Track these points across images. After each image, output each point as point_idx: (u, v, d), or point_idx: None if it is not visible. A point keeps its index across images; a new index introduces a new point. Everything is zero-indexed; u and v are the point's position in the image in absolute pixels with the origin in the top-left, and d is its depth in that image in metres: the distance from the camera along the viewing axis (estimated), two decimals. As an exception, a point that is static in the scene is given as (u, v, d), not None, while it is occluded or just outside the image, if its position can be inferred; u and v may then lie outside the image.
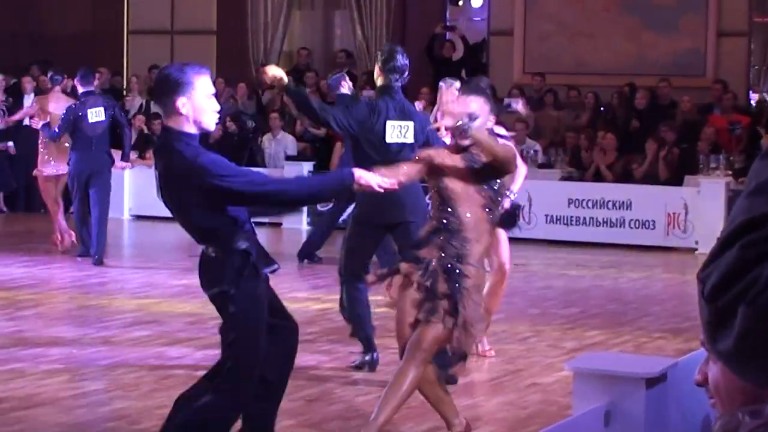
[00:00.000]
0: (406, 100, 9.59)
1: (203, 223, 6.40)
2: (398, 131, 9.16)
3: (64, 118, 14.87)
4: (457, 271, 6.95)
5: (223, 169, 6.27)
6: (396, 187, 6.67)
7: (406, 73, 9.39)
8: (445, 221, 7.01)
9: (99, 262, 14.74)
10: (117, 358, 9.84)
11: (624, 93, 19.60)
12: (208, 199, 6.26)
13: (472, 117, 6.97)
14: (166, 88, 6.40)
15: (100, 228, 14.95)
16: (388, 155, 8.79)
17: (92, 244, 14.91)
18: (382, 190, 6.49)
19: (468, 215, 7.00)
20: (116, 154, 15.39)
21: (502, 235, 10.06)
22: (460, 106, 7.17)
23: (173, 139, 6.36)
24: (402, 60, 9.34)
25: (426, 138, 9.12)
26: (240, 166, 6.45)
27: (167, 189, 6.45)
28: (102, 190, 15.01)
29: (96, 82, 16.03)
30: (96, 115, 14.89)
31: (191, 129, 6.35)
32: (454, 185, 7.01)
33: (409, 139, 9.14)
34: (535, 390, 9.09)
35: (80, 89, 15.27)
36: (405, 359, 7.05)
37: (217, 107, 6.50)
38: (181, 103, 6.27)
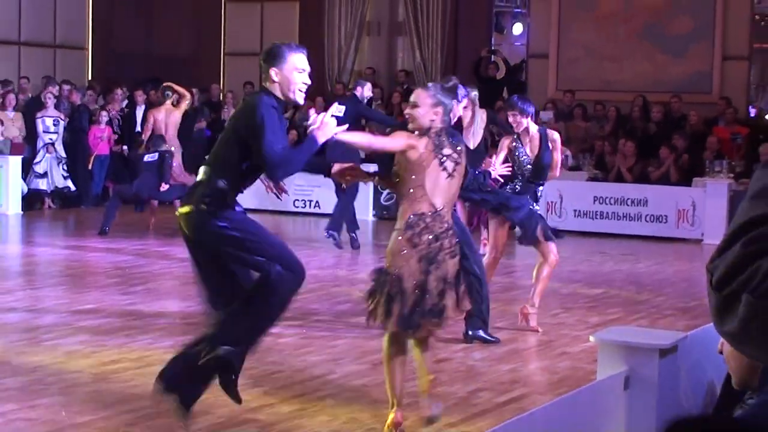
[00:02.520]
0: None
1: (228, 156, 6.41)
2: None
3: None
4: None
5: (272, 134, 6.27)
6: None
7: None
8: None
9: None
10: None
11: (639, 105, 19.54)
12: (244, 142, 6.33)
13: (413, 106, 6.67)
14: (267, 57, 6.59)
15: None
16: None
17: None
18: None
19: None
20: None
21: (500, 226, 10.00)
22: (412, 95, 6.81)
23: (261, 91, 6.56)
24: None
25: None
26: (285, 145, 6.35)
27: (232, 118, 6.59)
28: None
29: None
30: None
31: (278, 94, 6.48)
32: None
33: None
34: (565, 358, 9.05)
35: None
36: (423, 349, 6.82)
37: (307, 82, 6.55)
38: (274, 72, 6.46)
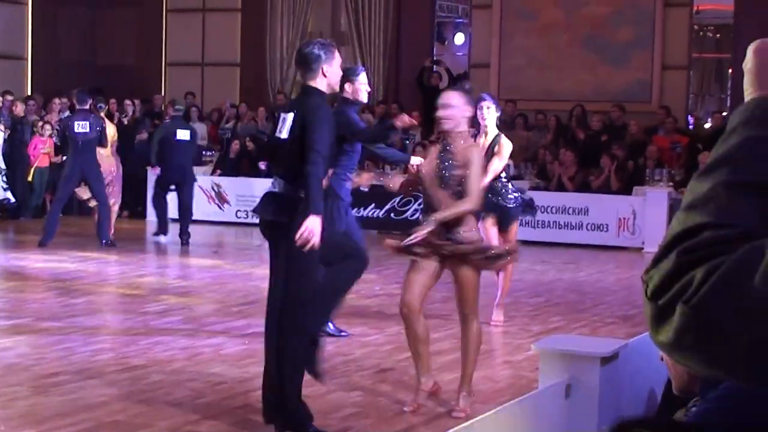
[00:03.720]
0: None
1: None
2: None
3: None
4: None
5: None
6: None
7: None
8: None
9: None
10: (153, 338, 9.80)
11: (577, 115, 19.66)
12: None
13: (447, 106, 7.28)
14: (313, 57, 6.76)
15: (105, 214, 16.03)
16: None
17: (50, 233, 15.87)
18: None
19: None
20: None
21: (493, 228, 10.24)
22: (442, 98, 7.31)
23: (313, 93, 6.79)
24: None
25: None
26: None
27: (298, 126, 6.70)
28: (96, 183, 15.99)
29: (89, 102, 16.47)
30: (81, 127, 15.75)
31: (324, 89, 6.81)
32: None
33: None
34: (507, 367, 9.07)
35: (76, 107, 16.41)
36: (464, 319, 7.34)
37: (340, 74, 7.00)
38: (326, 69, 6.73)
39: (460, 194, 7.19)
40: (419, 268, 7.31)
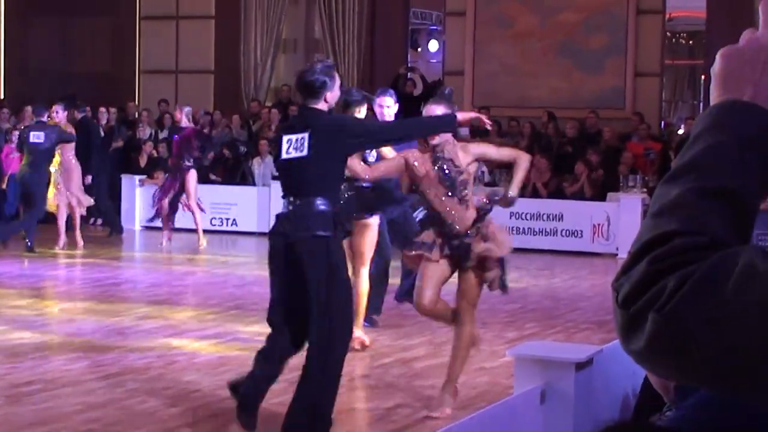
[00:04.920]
0: None
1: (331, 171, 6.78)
2: None
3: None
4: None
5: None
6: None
7: None
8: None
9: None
10: (130, 346, 9.77)
11: (547, 122, 19.69)
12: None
13: None
14: (318, 84, 6.81)
15: (32, 221, 16.28)
16: None
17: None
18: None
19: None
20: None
21: None
22: (427, 113, 7.33)
23: (320, 113, 6.86)
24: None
25: None
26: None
27: (315, 145, 6.72)
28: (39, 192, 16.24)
29: (46, 115, 16.56)
30: (36, 137, 16.02)
31: (325, 110, 6.93)
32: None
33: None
34: (482, 373, 9.08)
35: (34, 118, 16.73)
36: (459, 321, 7.45)
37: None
38: (329, 96, 6.85)
39: (464, 199, 7.32)
40: (433, 269, 7.37)
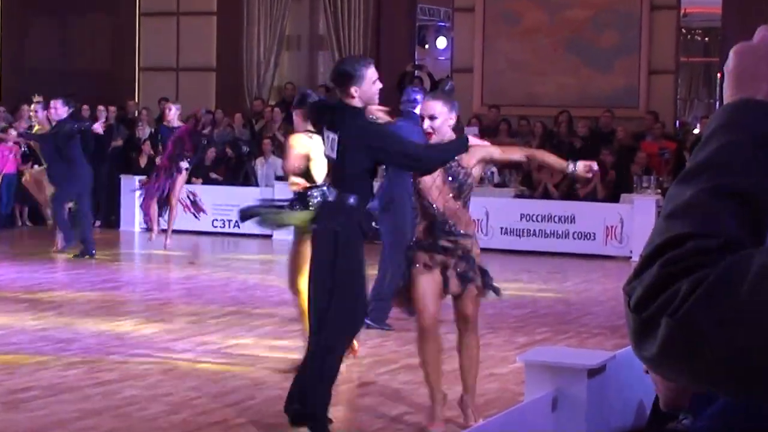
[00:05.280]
0: None
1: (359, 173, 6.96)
2: None
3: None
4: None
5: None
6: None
7: None
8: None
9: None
10: (128, 351, 9.77)
11: (565, 121, 19.65)
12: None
13: (432, 118, 7.22)
14: (343, 79, 7.01)
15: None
16: None
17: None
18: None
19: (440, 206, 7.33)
20: None
21: None
22: (424, 110, 7.31)
23: (348, 114, 7.01)
24: None
25: None
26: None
27: (342, 148, 6.93)
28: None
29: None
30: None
31: (360, 105, 7.01)
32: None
33: None
34: (492, 380, 9.07)
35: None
36: (468, 330, 7.44)
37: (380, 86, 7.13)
38: (354, 90, 6.95)
39: (467, 203, 7.34)
40: (430, 279, 7.31)
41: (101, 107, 21.31)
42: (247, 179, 19.85)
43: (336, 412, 7.75)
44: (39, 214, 19.62)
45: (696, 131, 21.00)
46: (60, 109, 16.16)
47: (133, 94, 23.66)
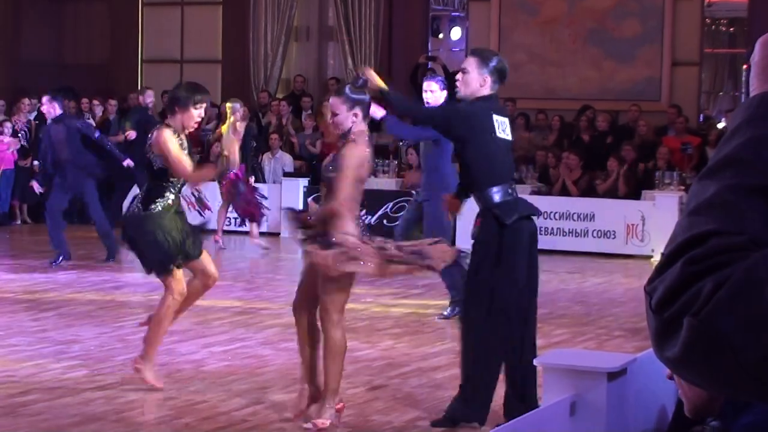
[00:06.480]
0: None
1: None
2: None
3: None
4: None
5: None
6: None
7: None
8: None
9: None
10: (129, 354, 9.79)
11: (589, 117, 19.59)
12: None
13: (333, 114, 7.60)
14: None
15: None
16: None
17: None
18: None
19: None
20: None
21: None
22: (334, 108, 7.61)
23: None
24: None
25: None
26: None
27: None
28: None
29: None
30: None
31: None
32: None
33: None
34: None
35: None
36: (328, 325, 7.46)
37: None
38: None
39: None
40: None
41: (96, 101, 21.31)
42: (254, 175, 19.85)
43: (346, 417, 7.76)
44: (39, 210, 19.65)
45: (720, 125, 20.95)
46: (48, 105, 15.54)
47: (135, 87, 23.68)
